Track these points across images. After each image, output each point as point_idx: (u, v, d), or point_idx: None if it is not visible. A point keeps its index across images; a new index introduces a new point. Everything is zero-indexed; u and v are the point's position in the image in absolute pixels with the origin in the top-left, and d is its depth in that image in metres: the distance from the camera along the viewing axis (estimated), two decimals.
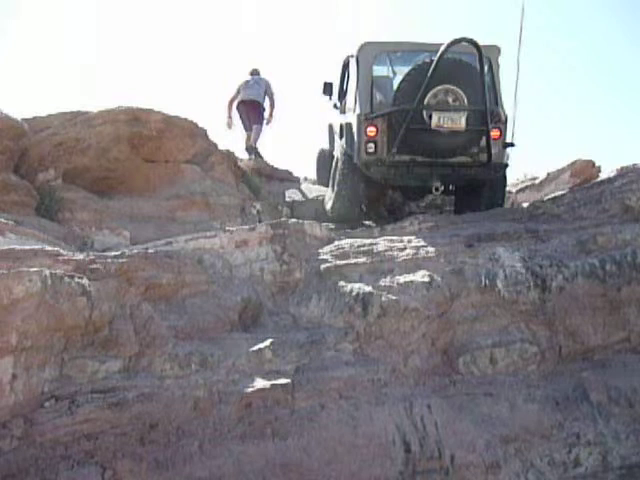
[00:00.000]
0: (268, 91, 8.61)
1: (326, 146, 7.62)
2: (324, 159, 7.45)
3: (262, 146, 8.56)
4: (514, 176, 11.27)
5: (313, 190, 7.18)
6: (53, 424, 2.52)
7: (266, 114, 8.59)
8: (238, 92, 8.61)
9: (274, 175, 7.43)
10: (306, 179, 8.92)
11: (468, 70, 5.01)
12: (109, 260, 3.22)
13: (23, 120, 4.88)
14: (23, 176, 4.60)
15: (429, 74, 4.77)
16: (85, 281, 2.87)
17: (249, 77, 8.72)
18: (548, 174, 9.37)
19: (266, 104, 8.66)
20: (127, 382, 2.78)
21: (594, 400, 3.21)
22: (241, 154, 8.22)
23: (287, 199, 6.70)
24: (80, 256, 3.14)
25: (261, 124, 8.53)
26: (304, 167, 8.50)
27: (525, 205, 6.43)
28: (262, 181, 6.84)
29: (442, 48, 4.67)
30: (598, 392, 3.24)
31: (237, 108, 8.65)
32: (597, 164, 9.63)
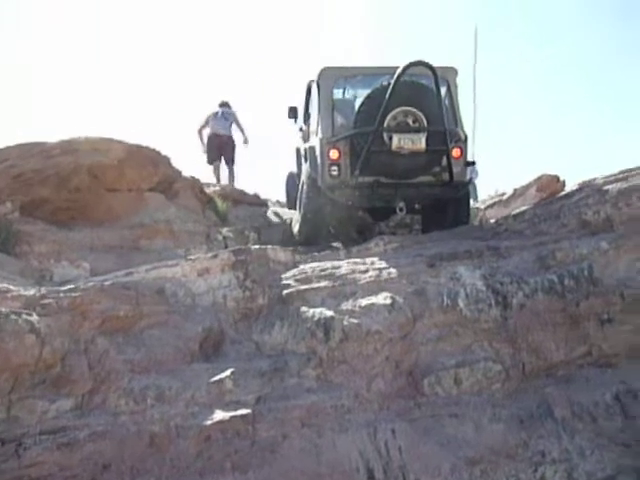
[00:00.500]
0: (236, 123, 8.84)
1: (295, 169, 7.65)
2: (293, 182, 7.47)
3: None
4: (485, 192, 11.47)
5: (281, 213, 7.17)
6: None
7: (239, 148, 8.90)
8: (207, 122, 8.83)
9: (242, 199, 7.40)
10: (278, 202, 8.92)
11: (426, 92, 5.08)
12: (61, 294, 3.14)
13: None
14: None
15: (387, 96, 4.83)
16: (34, 317, 2.79)
17: (218, 109, 8.89)
18: (515, 190, 9.51)
19: (236, 136, 8.93)
20: (79, 421, 2.70)
21: (558, 416, 3.20)
22: (208, 179, 8.30)
23: (254, 224, 6.67)
24: (31, 291, 3.06)
25: (233, 163, 8.86)
26: (278, 190, 8.63)
27: (492, 221, 6.52)
28: (229, 206, 6.80)
29: (398, 71, 4.74)
30: (562, 408, 3.23)
31: (208, 138, 8.82)
32: (562, 178, 9.85)
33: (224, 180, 8.86)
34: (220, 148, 8.79)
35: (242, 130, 8.90)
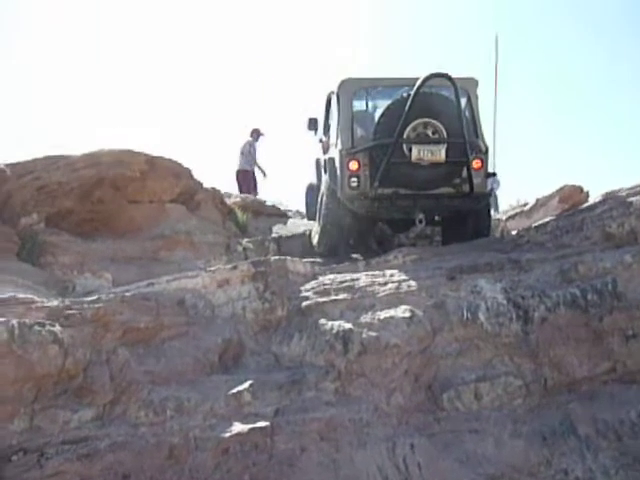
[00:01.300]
0: (244, 153, 9.60)
1: (315, 180, 7.67)
2: (313, 194, 7.49)
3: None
4: (507, 202, 11.36)
5: (301, 225, 7.19)
6: (21, 479, 2.45)
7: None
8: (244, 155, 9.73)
9: (262, 211, 7.45)
10: (299, 212, 8.95)
11: (446, 103, 5.07)
12: (85, 305, 3.19)
13: (7, 165, 4.92)
14: (5, 221, 4.61)
15: (407, 108, 4.83)
16: (57, 328, 2.84)
17: (249, 139, 9.79)
18: (537, 200, 9.39)
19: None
20: (99, 431, 2.73)
21: (582, 434, 3.14)
22: (230, 189, 8.51)
23: (274, 235, 6.69)
24: (54, 303, 3.11)
25: (254, 193, 9.40)
26: (298, 200, 9.06)
27: (513, 232, 6.45)
28: (249, 217, 6.84)
29: (418, 83, 4.74)
30: (585, 425, 3.17)
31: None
32: (586, 189, 9.71)
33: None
34: (240, 183, 9.56)
35: (260, 168, 9.78)
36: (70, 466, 2.53)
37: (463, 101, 5.33)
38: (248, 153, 9.60)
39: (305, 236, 6.55)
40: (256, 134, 9.78)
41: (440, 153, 5.02)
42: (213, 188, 6.47)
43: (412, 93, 4.82)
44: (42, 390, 2.74)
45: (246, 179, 9.59)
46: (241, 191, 9.20)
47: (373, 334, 3.40)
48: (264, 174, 9.83)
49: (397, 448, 2.99)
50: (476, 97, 5.59)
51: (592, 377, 3.39)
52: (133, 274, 4.60)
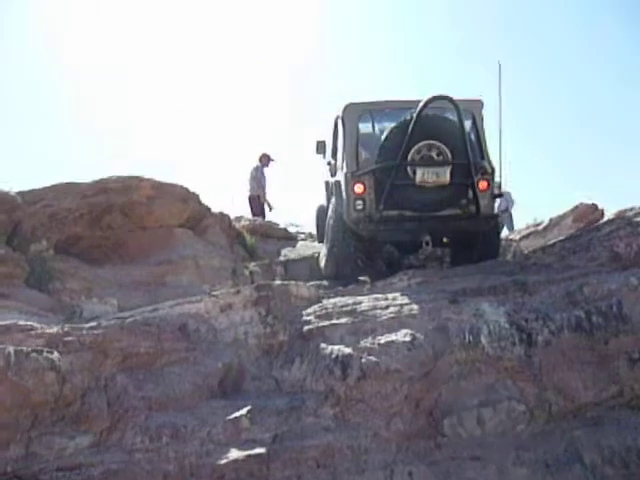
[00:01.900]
0: (254, 178, 9.58)
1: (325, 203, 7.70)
2: (323, 216, 7.52)
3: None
4: (524, 221, 11.26)
5: (309, 247, 7.20)
6: None
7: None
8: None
9: (272, 234, 7.49)
10: (311, 235, 8.98)
11: (450, 125, 5.08)
12: (84, 332, 3.22)
13: (18, 193, 5.04)
14: (15, 248, 4.71)
15: (410, 130, 4.85)
16: (55, 355, 2.87)
17: (258, 164, 9.75)
18: (550, 220, 9.32)
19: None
20: (95, 458, 2.73)
21: (587, 461, 3.05)
22: (242, 212, 8.63)
23: (281, 258, 6.71)
24: (54, 329, 3.15)
25: (262, 216, 9.40)
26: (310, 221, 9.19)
27: (526, 252, 6.36)
28: (258, 240, 6.88)
29: (419, 106, 4.77)
30: (591, 452, 3.08)
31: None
32: (600, 206, 9.58)
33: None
34: (251, 209, 9.56)
35: (268, 202, 9.71)
36: None
37: (468, 123, 5.34)
38: (258, 179, 9.57)
39: (313, 259, 6.57)
40: (266, 159, 9.71)
41: (445, 175, 5.02)
42: (221, 212, 6.55)
43: (415, 115, 4.84)
44: (39, 417, 2.76)
45: (257, 204, 9.58)
46: (253, 215, 9.20)
47: (373, 359, 3.37)
48: (270, 208, 9.75)
49: (395, 476, 2.94)
50: (481, 118, 5.59)
51: (598, 402, 3.30)
52: (139, 299, 4.65)
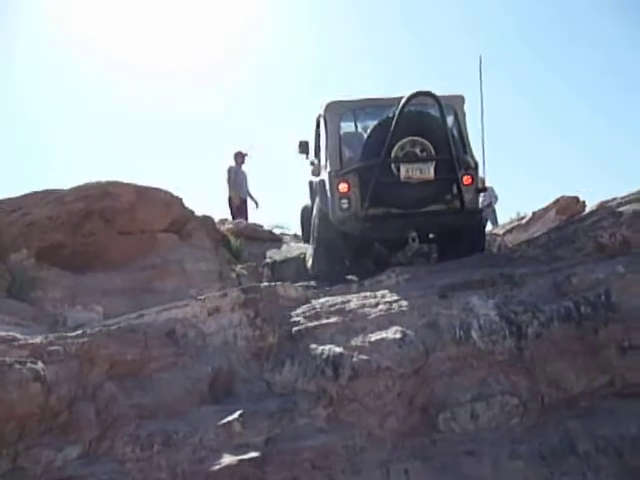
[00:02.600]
0: (229, 181, 9.25)
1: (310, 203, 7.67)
2: (308, 216, 7.49)
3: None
4: (507, 216, 11.37)
5: (295, 249, 7.16)
6: None
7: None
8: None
9: (256, 236, 7.43)
10: (296, 236, 8.94)
11: (433, 121, 5.08)
12: (69, 340, 3.15)
13: None
14: None
15: (392, 127, 4.84)
16: (39, 365, 2.80)
17: (234, 165, 9.42)
18: (534, 213, 9.40)
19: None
20: (84, 469, 2.67)
21: (581, 451, 3.05)
22: (226, 215, 8.51)
23: (267, 260, 6.66)
24: (37, 339, 3.07)
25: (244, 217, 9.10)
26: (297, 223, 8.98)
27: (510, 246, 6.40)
28: (243, 243, 6.82)
29: (402, 102, 4.76)
30: (585, 442, 3.08)
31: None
32: (582, 199, 9.69)
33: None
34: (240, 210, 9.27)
35: (252, 198, 9.49)
36: None
37: (450, 118, 5.34)
38: (234, 181, 9.20)
39: (299, 260, 6.53)
40: (240, 157, 9.34)
41: (429, 171, 5.02)
42: (205, 215, 6.48)
43: (397, 112, 4.84)
44: (26, 429, 2.68)
45: (236, 206, 9.24)
46: (234, 218, 8.93)
47: (364, 357, 3.34)
48: (256, 204, 9.52)
49: (392, 474, 2.92)
50: (463, 114, 5.60)
51: (590, 392, 3.31)
52: (125, 306, 4.57)
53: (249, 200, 9.51)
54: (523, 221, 9.52)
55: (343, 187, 5.29)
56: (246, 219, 9.14)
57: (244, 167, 9.45)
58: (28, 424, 2.70)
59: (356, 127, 5.98)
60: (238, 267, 5.90)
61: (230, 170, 9.23)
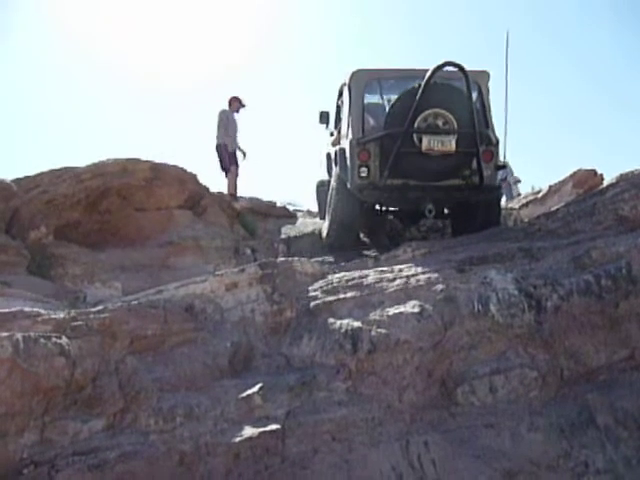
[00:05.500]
0: (220, 126, 8.12)
1: (326, 177, 7.63)
2: (324, 190, 7.46)
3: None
4: (523, 191, 11.25)
5: (310, 224, 7.15)
6: None
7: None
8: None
9: (270, 212, 7.42)
10: (309, 212, 8.92)
11: (457, 94, 5.02)
12: (91, 316, 3.19)
13: (13, 181, 4.96)
14: (15, 236, 4.65)
15: (417, 98, 4.79)
16: (64, 340, 2.84)
17: (228, 110, 8.34)
18: (550, 187, 9.26)
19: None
20: (109, 441, 2.72)
21: (601, 424, 3.05)
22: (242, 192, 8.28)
23: (283, 236, 6.67)
24: (61, 315, 3.11)
25: (227, 170, 8.05)
26: (310, 199, 8.30)
27: (526, 221, 6.33)
28: (258, 220, 6.82)
29: (428, 73, 4.70)
30: (605, 415, 3.08)
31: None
32: (600, 172, 9.51)
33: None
34: (229, 158, 8.19)
35: (240, 148, 8.39)
36: (81, 477, 2.53)
37: (474, 93, 5.27)
38: (225, 126, 8.09)
39: (314, 235, 6.53)
40: (236, 104, 8.33)
41: (450, 143, 4.98)
42: (220, 192, 6.48)
43: (423, 83, 4.78)
44: (51, 402, 2.74)
45: (226, 154, 8.05)
46: (222, 167, 7.98)
47: (382, 331, 3.35)
48: (244, 155, 8.37)
49: (411, 446, 2.94)
50: (487, 90, 5.54)
51: (609, 365, 3.30)
52: (143, 282, 4.61)
53: (237, 152, 8.34)
54: (539, 195, 9.39)
55: (363, 155, 5.27)
56: (236, 166, 8.12)
57: (237, 116, 8.45)
58: (54, 398, 2.75)
59: (381, 97, 5.92)
60: (253, 243, 5.91)
61: (223, 113, 8.18)
